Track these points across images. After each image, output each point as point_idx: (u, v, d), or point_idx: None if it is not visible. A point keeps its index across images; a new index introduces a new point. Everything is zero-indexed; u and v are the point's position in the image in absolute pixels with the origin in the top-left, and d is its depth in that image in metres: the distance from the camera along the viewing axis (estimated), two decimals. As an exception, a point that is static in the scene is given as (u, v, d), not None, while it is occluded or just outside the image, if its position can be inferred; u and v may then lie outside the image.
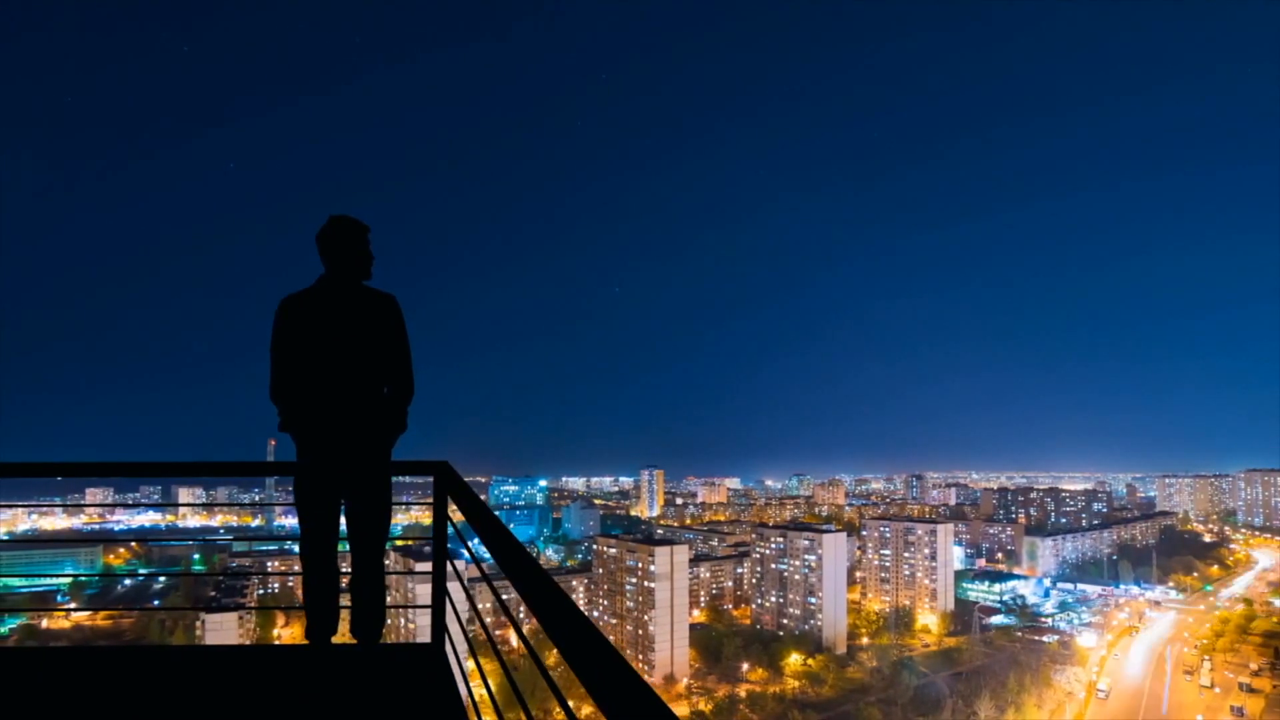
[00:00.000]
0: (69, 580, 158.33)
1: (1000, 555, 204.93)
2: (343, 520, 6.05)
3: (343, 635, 6.34)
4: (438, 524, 6.66)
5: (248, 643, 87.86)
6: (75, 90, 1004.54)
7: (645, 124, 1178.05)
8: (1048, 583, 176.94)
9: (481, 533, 3.82)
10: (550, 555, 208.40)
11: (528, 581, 2.53)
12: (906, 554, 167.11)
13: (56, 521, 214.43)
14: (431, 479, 6.81)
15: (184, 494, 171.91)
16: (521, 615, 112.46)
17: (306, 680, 5.66)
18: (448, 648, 6.25)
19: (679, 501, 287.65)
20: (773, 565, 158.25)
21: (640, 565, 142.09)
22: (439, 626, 6.54)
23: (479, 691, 5.90)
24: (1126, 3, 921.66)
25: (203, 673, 5.88)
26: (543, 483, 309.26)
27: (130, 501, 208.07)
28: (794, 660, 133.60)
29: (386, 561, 6.25)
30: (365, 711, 4.99)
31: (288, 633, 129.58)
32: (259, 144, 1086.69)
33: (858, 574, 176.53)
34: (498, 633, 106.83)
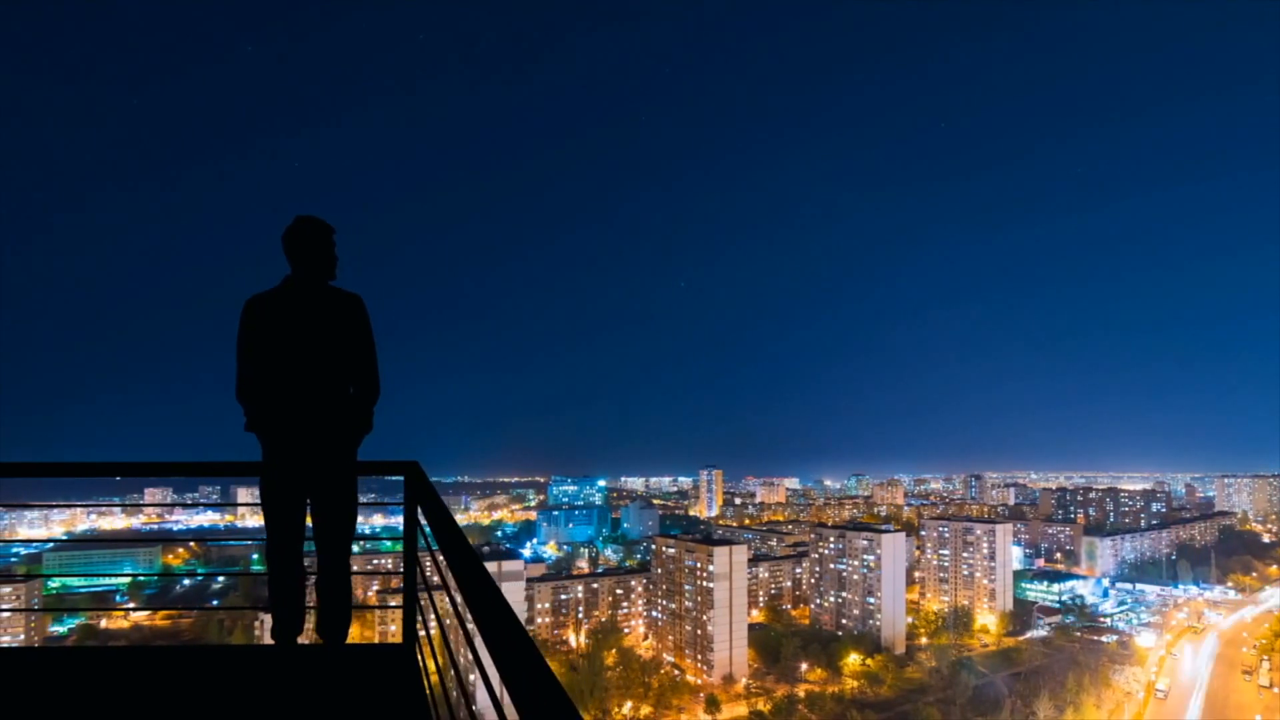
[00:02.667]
0: (128, 580, 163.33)
1: (1059, 555, 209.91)
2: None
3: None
4: (408, 524, 6.85)
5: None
6: (141, 93, 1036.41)
7: (711, 125, 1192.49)
8: (1106, 583, 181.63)
9: (440, 536, 4.12)
10: (609, 555, 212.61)
11: (476, 591, 2.65)
12: (965, 554, 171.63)
13: (116, 521, 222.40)
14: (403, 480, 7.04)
15: (243, 494, 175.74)
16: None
17: (274, 680, 5.90)
18: (419, 649, 6.42)
19: (738, 501, 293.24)
20: (831, 565, 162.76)
21: (699, 565, 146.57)
22: (410, 627, 6.77)
23: (451, 693, 5.94)
24: (1179, 13, 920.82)
25: (169, 673, 6.11)
26: (602, 482, 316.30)
27: (189, 501, 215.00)
28: (853, 660, 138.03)
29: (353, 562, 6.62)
30: (334, 712, 5.25)
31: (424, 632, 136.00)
32: (326, 146, 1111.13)
33: (916, 574, 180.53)
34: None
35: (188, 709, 5.31)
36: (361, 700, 5.44)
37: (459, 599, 3.19)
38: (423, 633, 6.25)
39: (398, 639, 7.74)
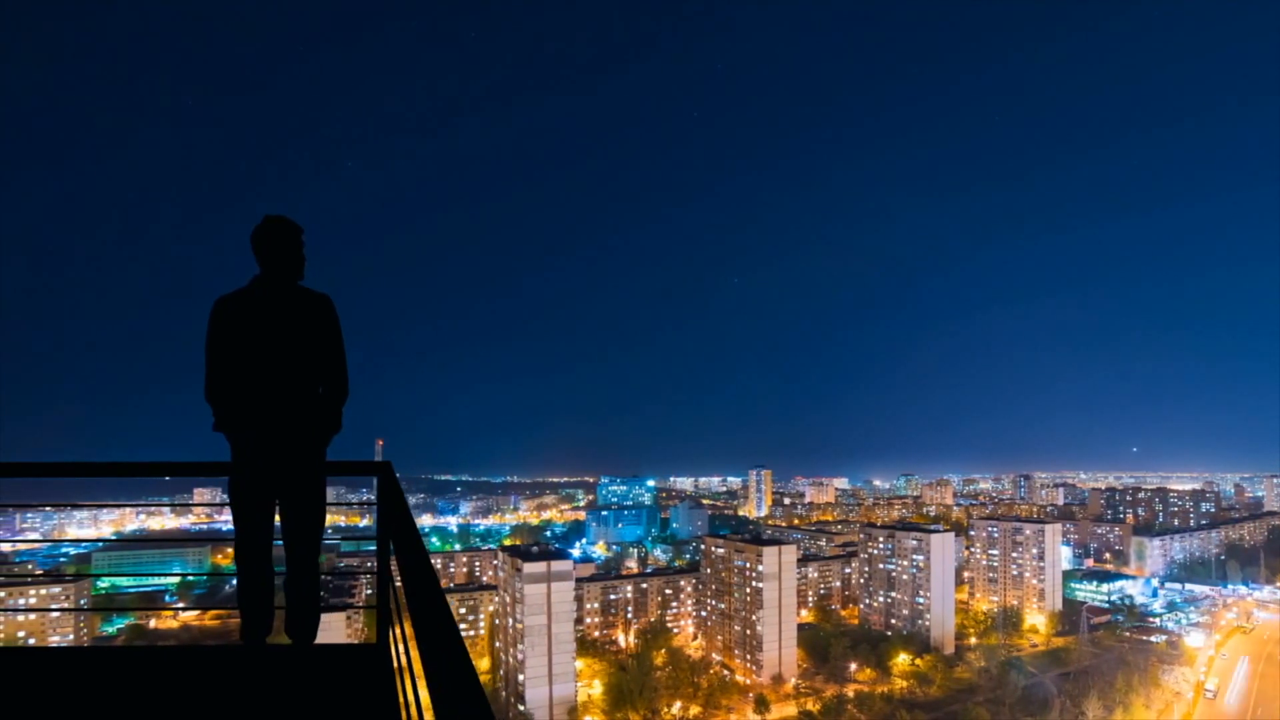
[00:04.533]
0: (177, 580, 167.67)
1: (1108, 555, 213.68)
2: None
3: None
4: (381, 525, 7.02)
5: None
6: (194, 93, 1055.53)
7: (766, 128, 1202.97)
8: (1155, 583, 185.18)
9: (396, 539, 4.27)
10: (658, 555, 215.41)
11: (420, 596, 2.79)
12: (1014, 554, 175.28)
13: (165, 521, 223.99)
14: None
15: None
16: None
17: (244, 680, 6.06)
18: (392, 649, 6.53)
19: (787, 501, 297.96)
20: (880, 565, 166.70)
21: (748, 565, 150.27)
22: (383, 627, 6.96)
23: (424, 694, 5.55)
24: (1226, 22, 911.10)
25: (137, 674, 6.25)
26: (651, 483, 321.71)
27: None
28: (902, 660, 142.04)
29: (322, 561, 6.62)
30: (305, 712, 5.41)
31: (396, 632, 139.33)
32: (394, 154, 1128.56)
33: (965, 574, 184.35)
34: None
35: (155, 709, 5.53)
36: (332, 700, 5.67)
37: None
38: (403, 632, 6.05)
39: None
